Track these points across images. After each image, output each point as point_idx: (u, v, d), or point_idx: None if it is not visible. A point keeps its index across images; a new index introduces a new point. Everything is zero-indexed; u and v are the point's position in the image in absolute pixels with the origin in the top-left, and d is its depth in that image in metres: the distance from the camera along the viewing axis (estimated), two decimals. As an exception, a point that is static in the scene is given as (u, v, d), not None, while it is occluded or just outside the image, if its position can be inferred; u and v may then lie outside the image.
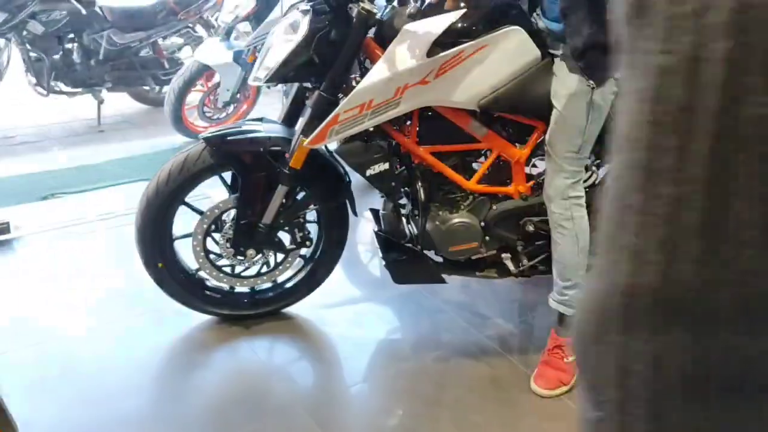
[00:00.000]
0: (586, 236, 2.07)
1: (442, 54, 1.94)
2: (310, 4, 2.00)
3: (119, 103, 5.04)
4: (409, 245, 2.27)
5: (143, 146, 4.29)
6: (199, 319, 2.41)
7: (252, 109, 4.27)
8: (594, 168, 2.25)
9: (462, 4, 1.98)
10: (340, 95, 2.04)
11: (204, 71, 4.06)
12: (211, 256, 2.28)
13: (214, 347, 2.31)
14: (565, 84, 1.97)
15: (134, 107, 5.08)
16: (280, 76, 2.02)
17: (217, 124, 4.16)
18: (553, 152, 2.01)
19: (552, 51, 2.05)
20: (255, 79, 2.08)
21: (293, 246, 2.30)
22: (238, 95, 4.14)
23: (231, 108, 4.22)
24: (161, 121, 4.46)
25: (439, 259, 2.30)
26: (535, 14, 2.13)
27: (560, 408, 2.07)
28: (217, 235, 2.24)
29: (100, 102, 4.62)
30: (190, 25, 4.83)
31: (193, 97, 4.32)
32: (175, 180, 2.13)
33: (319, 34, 1.97)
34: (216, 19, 4.69)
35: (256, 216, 2.18)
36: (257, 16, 3.96)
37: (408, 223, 2.34)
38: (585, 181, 2.19)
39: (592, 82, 1.93)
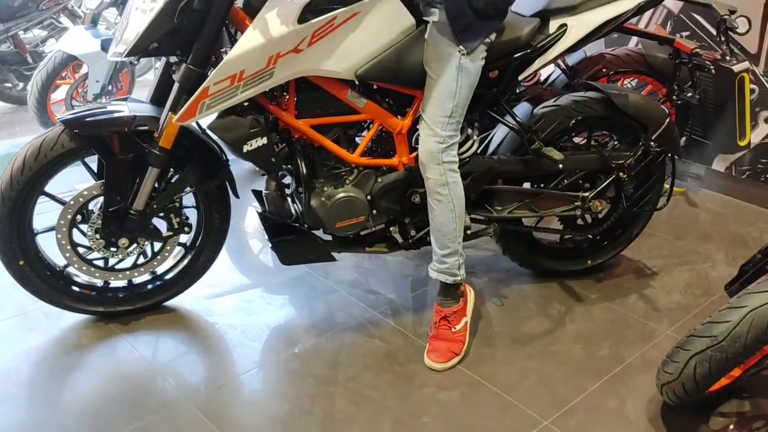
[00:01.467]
0: (461, 202, 2.08)
1: (314, 20, 1.87)
2: (171, -29, 1.88)
3: (-22, 102, 4.65)
4: (296, 224, 2.20)
5: (6, 146, 3.96)
6: (71, 318, 2.23)
7: (126, 101, 4.03)
8: (474, 137, 2.25)
9: None
10: (210, 69, 1.93)
11: (70, 62, 3.78)
12: (80, 250, 2.10)
13: (89, 348, 2.14)
14: (435, 49, 1.97)
15: (-4, 106, 4.70)
16: (141, 48, 1.87)
17: (88, 119, 3.90)
18: (426, 116, 2.01)
19: (425, 18, 2.03)
20: (114, 54, 1.93)
21: (170, 233, 2.17)
22: (110, 86, 3.88)
23: (102, 100, 3.96)
24: (26, 120, 4.14)
25: (328, 237, 2.24)
26: None
27: (455, 377, 2.06)
28: (84, 226, 2.08)
29: (-44, 102, 4.24)
30: (54, 16, 4.50)
31: (61, 93, 4.03)
32: (31, 168, 1.94)
33: (182, 2, 1.84)
34: (81, 9, 4.40)
35: (126, 202, 2.03)
36: (124, 1, 3.74)
37: (293, 201, 2.26)
38: (465, 151, 2.20)
39: (462, 47, 1.93)
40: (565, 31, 2.17)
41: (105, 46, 3.69)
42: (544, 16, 2.19)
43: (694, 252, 2.82)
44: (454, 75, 1.95)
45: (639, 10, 2.28)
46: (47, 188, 2.05)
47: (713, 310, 1.76)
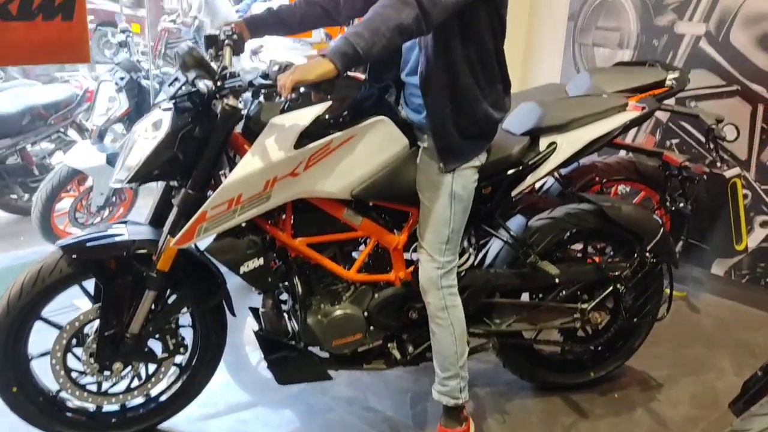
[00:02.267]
0: (461, 325, 2.07)
1: (310, 145, 1.93)
2: (173, 101, 1.95)
3: (-17, 213, 4.71)
4: (292, 342, 2.18)
5: (8, 259, 3.98)
6: (62, 445, 2.17)
7: (129, 213, 4.09)
8: (470, 251, 2.27)
9: (328, 96, 1.98)
10: (209, 192, 1.97)
11: (75, 176, 3.86)
12: (74, 374, 2.07)
13: (80, 476, 2.07)
14: (427, 176, 2.01)
15: (1, 217, 4.76)
16: (142, 175, 1.92)
17: (90, 230, 3.94)
18: (424, 243, 2.03)
19: (418, 142, 2.09)
20: (116, 181, 1.98)
21: (166, 354, 2.14)
22: (113, 198, 3.96)
23: (106, 212, 4.01)
24: (30, 230, 4.18)
25: (325, 355, 2.22)
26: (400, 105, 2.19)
27: (458, 502, 1.99)
28: (79, 350, 2.05)
29: (-38, 214, 4.29)
30: (62, 129, 4.64)
31: (65, 203, 4.10)
32: (28, 293, 1.94)
33: (182, 131, 1.91)
34: (89, 122, 4.54)
35: (121, 326, 2.02)
36: (131, 117, 3.87)
37: (290, 319, 2.25)
38: (461, 264, 2.21)
39: (443, 165, 1.97)
40: (555, 148, 2.23)
41: (110, 159, 3.78)
42: (534, 134, 2.25)
43: (699, 361, 2.77)
44: (447, 203, 1.98)
45: (627, 127, 2.34)
46: (44, 313, 2.04)
47: (720, 427, 1.71)
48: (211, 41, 2.06)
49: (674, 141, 3.35)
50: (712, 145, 2.95)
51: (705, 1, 3.12)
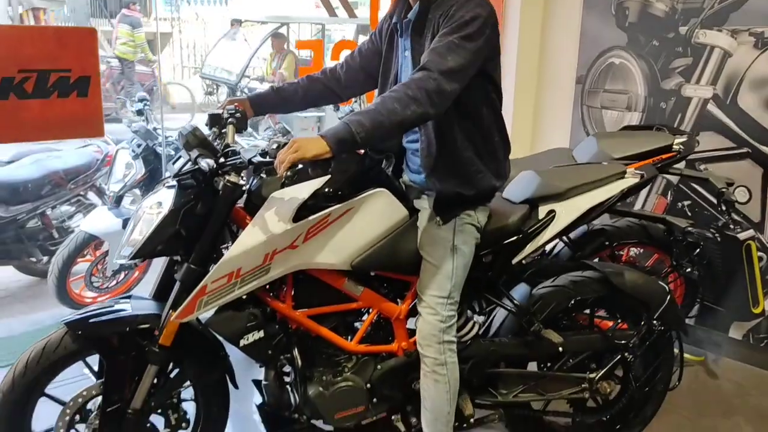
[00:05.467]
0: (456, 383, 2.06)
1: (308, 218, 1.95)
2: (177, 178, 2.00)
3: (4, 276, 4.78)
4: (295, 416, 2.16)
5: (25, 323, 4.03)
6: None
7: (144, 275, 4.14)
8: (474, 319, 2.25)
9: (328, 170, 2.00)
10: (212, 265, 1.99)
11: (91, 241, 3.93)
12: (75, 452, 2.06)
13: None
14: (428, 233, 2.04)
15: (21, 280, 4.82)
16: (146, 252, 1.95)
17: (106, 294, 4.00)
18: (426, 298, 2.04)
19: (416, 206, 2.11)
20: (120, 257, 2.02)
21: (168, 430, 2.13)
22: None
23: (122, 275, 4.07)
24: (48, 293, 4.24)
25: (329, 428, 2.19)
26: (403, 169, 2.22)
27: None
28: (82, 426, 2.05)
29: (-18, 278, 4.37)
30: (82, 193, 4.74)
31: (82, 267, 4.16)
32: (32, 371, 1.96)
33: (185, 207, 1.95)
34: (107, 185, 4.64)
35: (124, 401, 2.02)
36: (146, 183, 3.96)
37: (292, 392, 2.23)
38: (465, 334, 2.19)
39: (439, 218, 1.99)
40: (553, 216, 2.23)
41: (126, 224, 3.85)
42: (532, 202, 2.25)
43: (717, 430, 2.68)
44: (449, 256, 2.01)
45: (625, 194, 2.34)
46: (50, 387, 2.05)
47: None
48: (215, 120, 2.11)
49: (686, 203, 3.32)
50: (723, 208, 2.93)
51: (711, 65, 3.13)
